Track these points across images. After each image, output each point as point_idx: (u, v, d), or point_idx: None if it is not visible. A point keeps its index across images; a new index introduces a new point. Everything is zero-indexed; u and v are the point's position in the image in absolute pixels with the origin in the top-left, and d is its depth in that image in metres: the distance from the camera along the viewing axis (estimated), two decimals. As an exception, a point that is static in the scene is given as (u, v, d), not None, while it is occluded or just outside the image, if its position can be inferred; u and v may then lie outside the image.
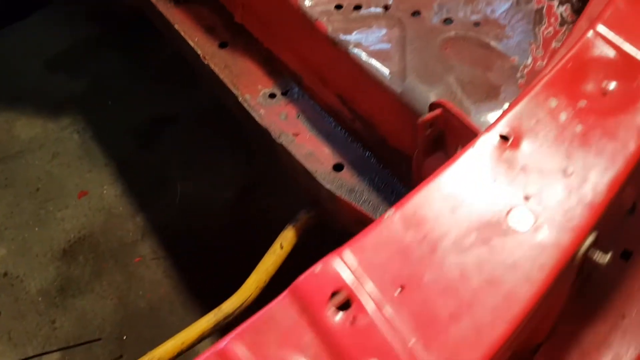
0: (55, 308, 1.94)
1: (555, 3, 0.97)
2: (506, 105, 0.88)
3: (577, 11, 0.95)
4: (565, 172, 0.49)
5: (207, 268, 1.98)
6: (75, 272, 2.03)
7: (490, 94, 0.89)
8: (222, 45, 1.33)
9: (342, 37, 1.01)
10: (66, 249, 2.07)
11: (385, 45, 0.98)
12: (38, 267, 2.03)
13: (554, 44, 0.93)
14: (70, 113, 2.42)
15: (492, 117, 0.87)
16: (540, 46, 0.93)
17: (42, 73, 2.54)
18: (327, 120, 1.17)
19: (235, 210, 2.06)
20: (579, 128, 0.52)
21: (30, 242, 2.10)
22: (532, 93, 0.54)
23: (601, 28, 0.57)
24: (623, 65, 0.55)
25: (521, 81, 0.91)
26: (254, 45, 1.30)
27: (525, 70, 0.92)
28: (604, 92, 0.54)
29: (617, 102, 0.53)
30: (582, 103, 0.53)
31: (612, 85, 0.54)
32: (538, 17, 0.96)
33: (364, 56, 0.97)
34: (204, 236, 2.04)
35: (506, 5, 0.98)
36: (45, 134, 2.38)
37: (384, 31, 1.00)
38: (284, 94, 1.23)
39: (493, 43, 0.95)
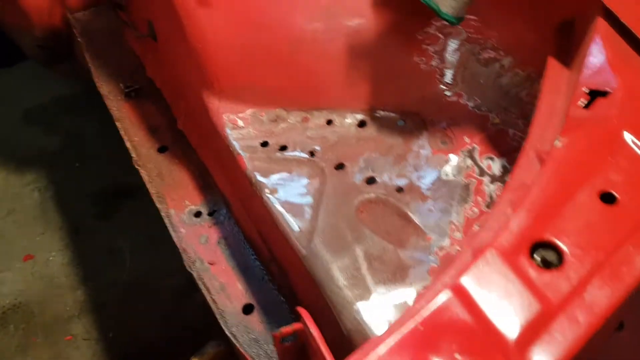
0: (-28, 380, 1.84)
1: (486, 180, 0.90)
2: (412, 293, 0.80)
3: (509, 191, 0.88)
4: None
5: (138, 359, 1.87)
6: (2, 343, 1.93)
7: (397, 276, 0.81)
8: (162, 150, 1.27)
9: (260, 178, 0.94)
10: (-2, 315, 1.97)
11: (300, 197, 0.91)
12: (-35, 331, 1.94)
13: (475, 227, 0.85)
14: (36, 169, 2.37)
15: (393, 303, 0.79)
16: (461, 228, 0.86)
17: (17, 124, 2.50)
18: (247, 253, 1.10)
19: (179, 300, 1.97)
20: None
21: (-37, 302, 2.01)
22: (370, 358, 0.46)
23: (465, 281, 0.49)
24: (482, 335, 0.47)
25: (433, 265, 0.83)
26: (192, 155, 1.24)
27: (441, 254, 0.84)
28: (455, 369, 0.46)
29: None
30: (426, 385, 0.45)
31: (466, 360, 0.46)
32: (464, 194, 0.88)
33: (277, 205, 0.90)
34: (143, 323, 1.94)
35: (433, 175, 0.91)
36: (5, 187, 2.32)
37: (303, 180, 0.93)
38: (210, 214, 1.16)
39: (412, 215, 0.87)
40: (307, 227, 0.87)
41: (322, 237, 0.85)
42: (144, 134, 1.29)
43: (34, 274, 2.10)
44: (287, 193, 0.92)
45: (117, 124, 1.29)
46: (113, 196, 2.33)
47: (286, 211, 0.89)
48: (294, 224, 0.87)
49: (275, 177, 0.94)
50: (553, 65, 0.75)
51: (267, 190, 0.92)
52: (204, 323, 1.97)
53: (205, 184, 1.21)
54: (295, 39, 0.97)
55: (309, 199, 0.91)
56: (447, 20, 0.80)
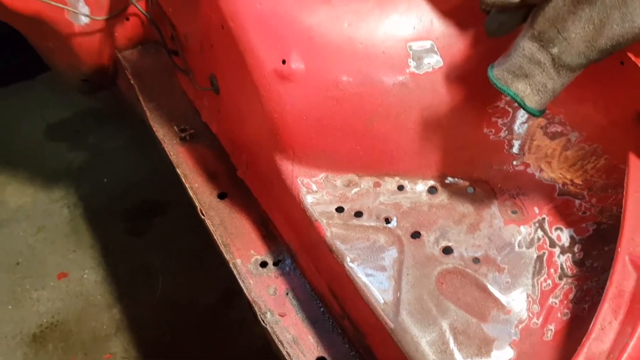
0: (16, 400, 1.89)
1: (557, 251, 0.96)
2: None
3: (578, 263, 0.94)
4: None
5: (177, 378, 1.93)
6: (42, 362, 1.98)
7: (482, 350, 0.88)
8: (221, 196, 1.31)
9: (340, 246, 0.99)
10: (37, 334, 2.03)
11: (382, 268, 0.96)
12: (5, 350, 1.98)
13: (550, 300, 0.92)
14: (64, 185, 2.40)
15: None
16: (537, 301, 0.92)
17: (41, 139, 2.52)
18: (316, 305, 1.15)
19: (214, 318, 2.03)
20: None
21: (1, 321, 2.05)
22: None
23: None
24: None
25: (515, 339, 0.89)
26: (252, 203, 1.29)
27: (520, 327, 0.90)
28: None
29: None
30: None
31: None
32: (538, 266, 0.94)
33: (361, 275, 0.96)
34: (180, 342, 2.00)
35: (508, 246, 0.97)
36: (34, 204, 2.35)
37: (382, 249, 0.98)
38: (275, 264, 1.21)
39: (491, 287, 0.93)
40: (392, 300, 0.92)
41: (408, 309, 0.91)
42: (203, 179, 1.33)
43: (69, 292, 2.15)
44: (369, 262, 0.97)
45: (177, 169, 1.33)
46: (142, 211, 2.36)
47: (370, 282, 0.94)
48: (379, 296, 0.93)
49: (354, 246, 0.99)
50: (636, 164, 0.80)
51: (348, 259, 0.97)
52: (241, 340, 2.03)
53: (268, 233, 1.26)
54: (371, 112, 1.01)
55: (389, 270, 0.96)
56: (530, 113, 0.85)
